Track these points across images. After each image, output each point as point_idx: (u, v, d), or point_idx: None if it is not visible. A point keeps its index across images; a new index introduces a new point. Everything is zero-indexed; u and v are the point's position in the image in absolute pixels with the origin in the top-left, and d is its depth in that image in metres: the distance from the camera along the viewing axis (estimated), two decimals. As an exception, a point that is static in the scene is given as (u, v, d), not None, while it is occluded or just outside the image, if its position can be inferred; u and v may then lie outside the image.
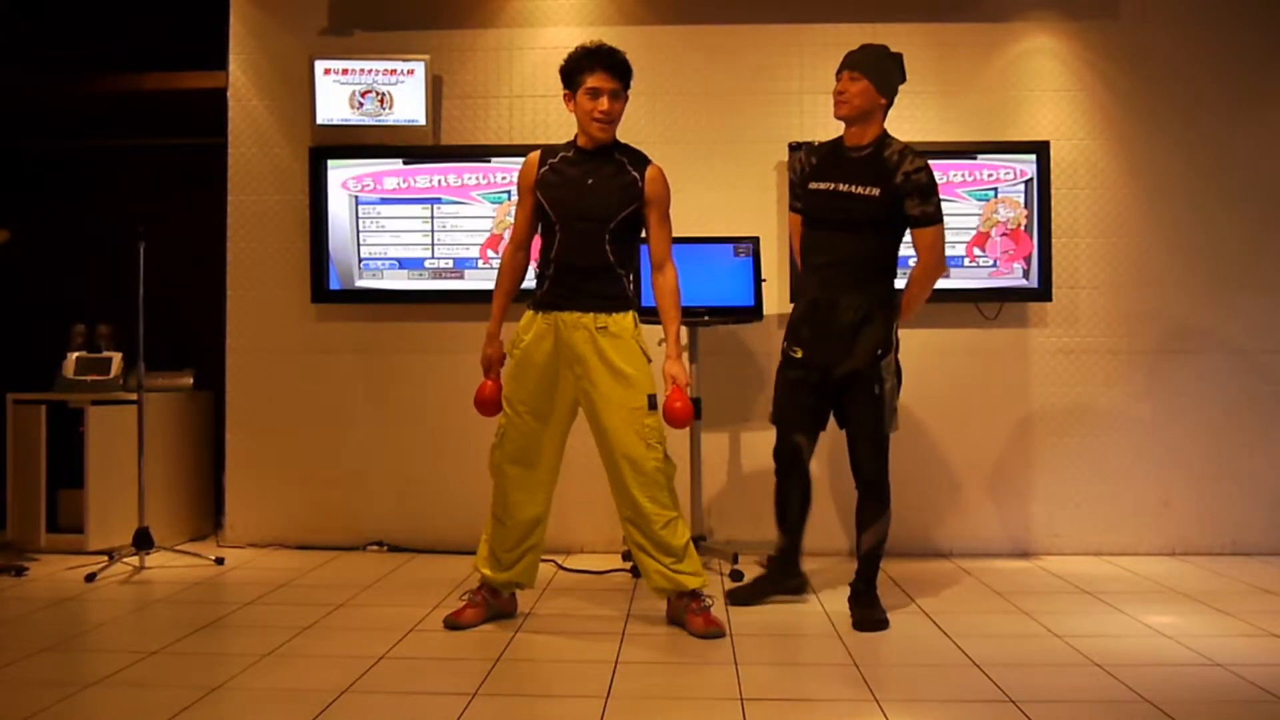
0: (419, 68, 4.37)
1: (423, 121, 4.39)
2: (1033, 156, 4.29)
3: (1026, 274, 4.29)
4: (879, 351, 3.19)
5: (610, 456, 3.09)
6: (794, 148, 4.17)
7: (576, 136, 3.17)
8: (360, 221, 4.41)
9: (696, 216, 4.28)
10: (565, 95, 3.11)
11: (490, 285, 3.35)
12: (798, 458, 3.33)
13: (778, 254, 4.36)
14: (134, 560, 3.99)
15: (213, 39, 4.57)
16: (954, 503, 4.40)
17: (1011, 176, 4.30)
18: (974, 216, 4.31)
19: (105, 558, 3.97)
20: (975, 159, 4.31)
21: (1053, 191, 4.33)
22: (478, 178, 4.40)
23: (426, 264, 4.41)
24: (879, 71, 3.19)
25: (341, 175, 4.41)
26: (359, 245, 4.41)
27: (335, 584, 3.78)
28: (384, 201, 4.42)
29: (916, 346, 4.37)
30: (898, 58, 3.25)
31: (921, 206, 3.17)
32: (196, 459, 4.79)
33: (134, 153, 5.23)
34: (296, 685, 2.60)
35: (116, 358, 4.51)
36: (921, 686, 2.65)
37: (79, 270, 5.24)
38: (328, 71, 4.38)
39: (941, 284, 4.24)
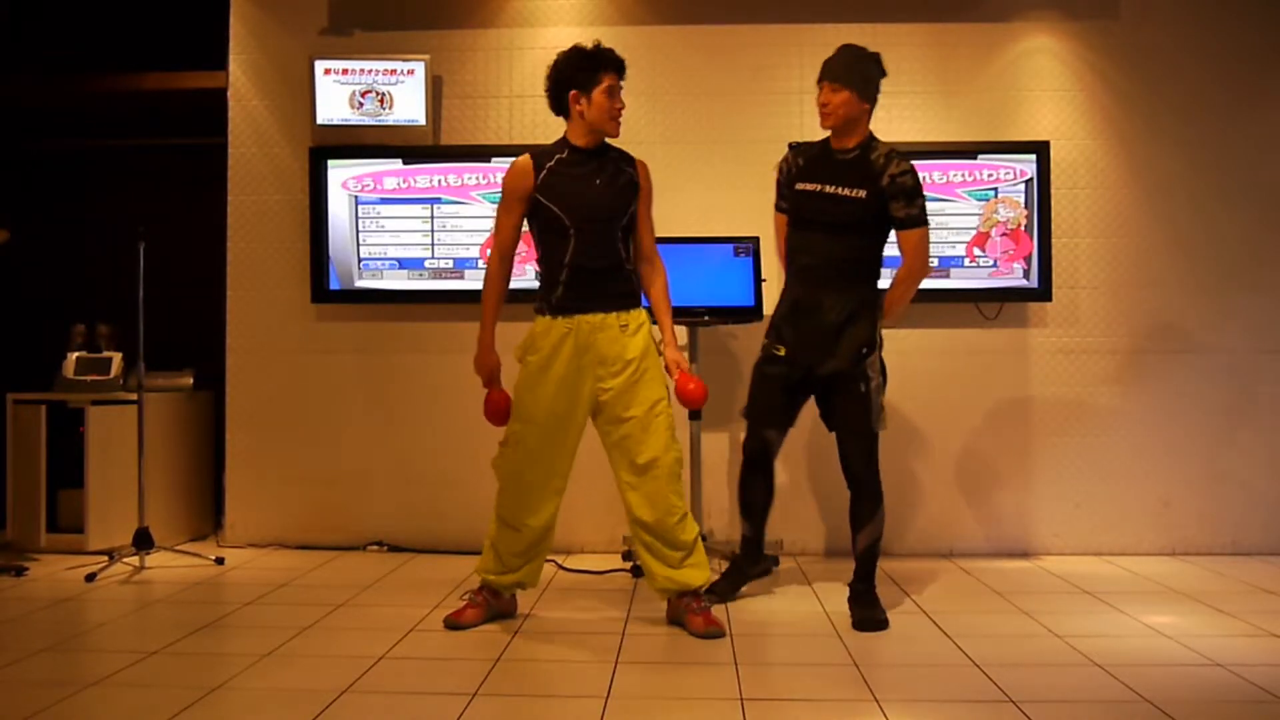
0: (419, 68, 4.37)
1: (423, 121, 4.39)
2: (1033, 156, 4.29)
3: (1026, 274, 4.29)
4: (863, 350, 3.22)
5: (628, 455, 3.08)
6: (792, 147, 4.16)
7: (567, 137, 3.15)
8: (360, 221, 4.42)
9: (696, 216, 4.28)
10: (573, 95, 3.08)
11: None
12: (767, 453, 3.41)
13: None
14: (134, 560, 3.99)
15: (213, 39, 4.57)
16: (954, 503, 4.39)
17: (1011, 176, 4.30)
18: (974, 216, 4.31)
19: (105, 558, 3.97)
20: (975, 159, 4.31)
21: (1053, 191, 4.33)
22: (478, 178, 4.40)
23: (426, 264, 4.41)
24: (859, 78, 3.21)
25: (341, 175, 4.41)
26: (358, 245, 4.41)
27: (335, 584, 3.78)
28: (384, 201, 4.42)
29: (917, 346, 4.39)
30: (876, 57, 3.26)
31: (907, 209, 3.21)
32: (196, 459, 4.79)
33: (134, 153, 5.23)
34: (296, 685, 2.60)
35: (116, 358, 4.51)
36: (921, 686, 2.65)
37: (79, 270, 5.24)
38: (328, 71, 4.38)
39: (941, 284, 4.28)
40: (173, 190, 5.21)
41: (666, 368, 3.17)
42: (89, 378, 4.46)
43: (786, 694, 2.57)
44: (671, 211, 4.26)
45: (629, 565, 3.97)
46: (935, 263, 4.19)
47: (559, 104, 3.13)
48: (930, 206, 4.23)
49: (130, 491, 4.14)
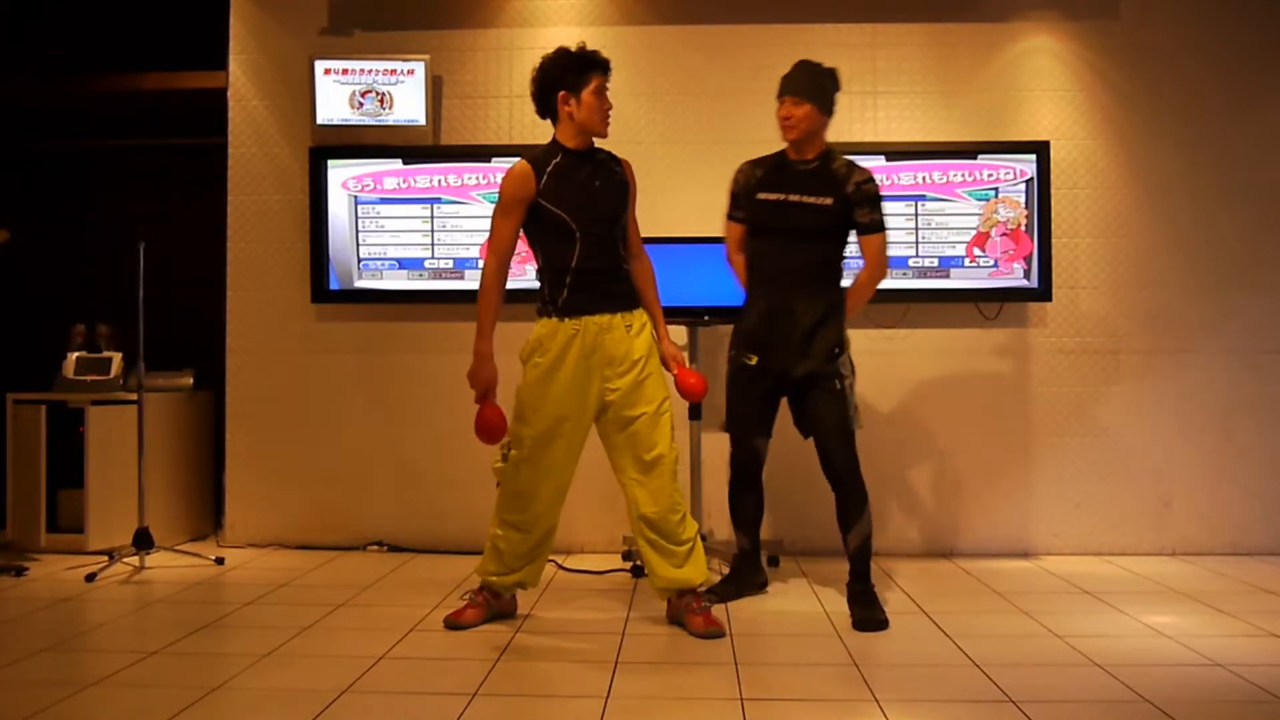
0: (419, 68, 4.37)
1: (423, 121, 4.39)
2: (1033, 156, 4.29)
3: (1027, 274, 4.29)
4: (835, 350, 3.33)
5: (635, 451, 3.08)
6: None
7: (558, 140, 3.14)
8: (360, 221, 4.42)
9: (696, 216, 4.27)
10: (562, 96, 3.07)
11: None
12: (757, 462, 3.50)
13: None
14: (134, 560, 3.99)
15: (213, 39, 4.57)
16: (954, 503, 4.40)
17: (1012, 176, 4.30)
18: (974, 216, 4.31)
19: (105, 558, 3.98)
20: (975, 159, 4.31)
21: (1053, 191, 4.33)
22: (478, 178, 4.40)
23: (426, 264, 4.41)
24: (819, 92, 3.33)
25: (341, 175, 4.41)
26: (358, 245, 4.41)
27: (335, 584, 3.78)
28: (384, 201, 4.42)
29: (917, 347, 4.39)
30: (832, 72, 3.40)
31: (871, 215, 3.34)
32: (196, 459, 4.79)
33: (134, 153, 5.23)
34: (296, 685, 2.60)
35: (116, 358, 4.52)
36: (921, 686, 2.65)
37: (79, 270, 5.24)
38: (328, 71, 4.38)
39: (941, 284, 4.30)
40: (173, 190, 5.21)
41: (664, 362, 3.18)
42: (89, 378, 4.46)
43: (786, 694, 2.57)
44: (671, 211, 4.27)
45: (629, 565, 3.97)
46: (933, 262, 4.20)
47: (546, 106, 3.12)
48: (930, 206, 4.30)
49: (130, 491, 4.14)
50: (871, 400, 4.31)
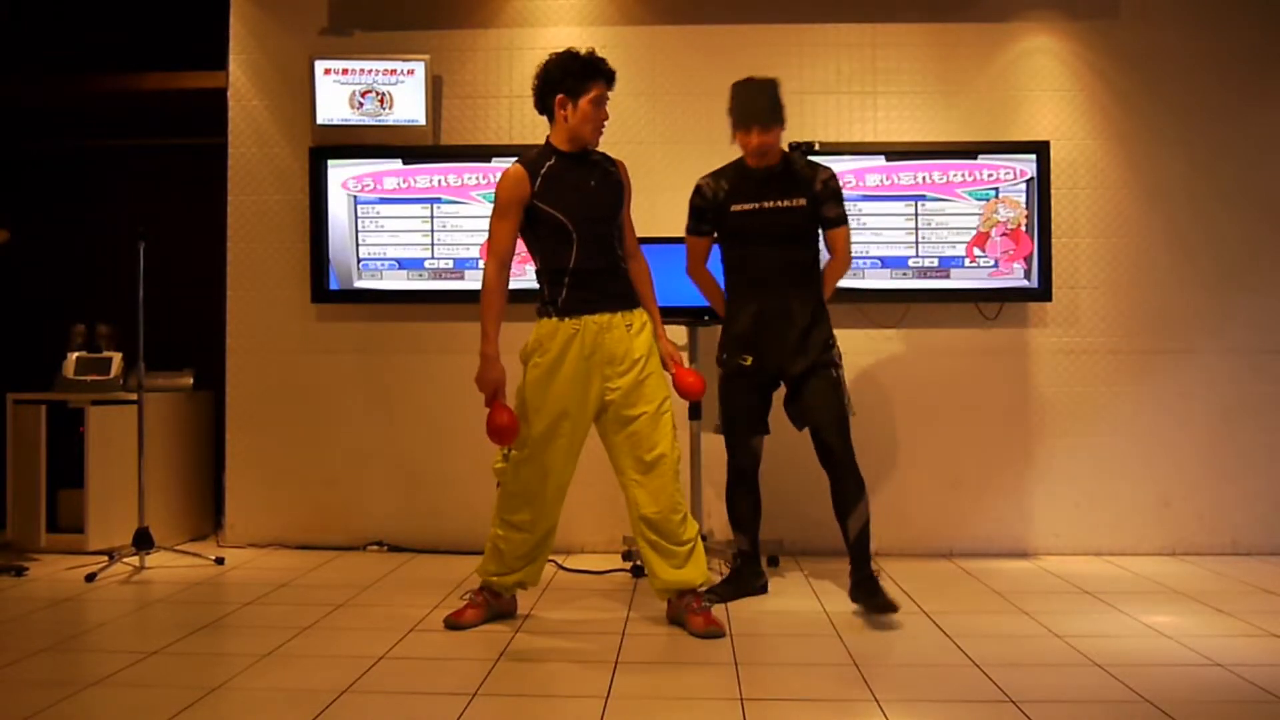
0: (419, 68, 4.37)
1: (423, 121, 4.39)
2: (1033, 156, 4.29)
3: (1027, 274, 4.29)
4: (828, 342, 3.45)
5: (636, 451, 3.08)
6: (793, 147, 4.17)
7: (550, 141, 3.14)
8: (359, 221, 4.41)
9: (696, 216, 4.27)
10: (560, 99, 3.08)
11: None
12: (756, 461, 3.55)
13: (778, 254, 4.36)
14: (134, 560, 3.99)
15: (213, 39, 4.57)
16: (954, 503, 4.40)
17: (1012, 176, 4.30)
18: (974, 216, 4.31)
19: (105, 558, 3.98)
20: (975, 159, 4.31)
21: (1053, 191, 4.33)
22: (478, 178, 4.40)
23: (426, 264, 4.41)
24: (780, 111, 3.42)
25: (341, 175, 4.41)
26: (358, 245, 4.41)
27: (335, 584, 3.78)
28: (383, 201, 4.41)
29: (917, 347, 4.39)
30: (776, 83, 3.43)
31: (837, 209, 3.48)
32: (196, 459, 4.79)
33: (134, 153, 5.23)
34: (296, 685, 2.60)
35: (116, 358, 4.52)
36: (921, 686, 2.65)
37: (79, 270, 5.24)
38: (328, 71, 4.38)
39: (942, 284, 4.30)
40: (173, 190, 5.21)
41: (663, 361, 3.18)
42: (89, 378, 4.47)
43: (786, 694, 2.57)
44: (672, 211, 4.26)
45: (629, 565, 3.97)
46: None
47: (544, 106, 3.13)
48: (930, 206, 4.30)
49: (130, 491, 4.14)
50: (872, 400, 4.31)
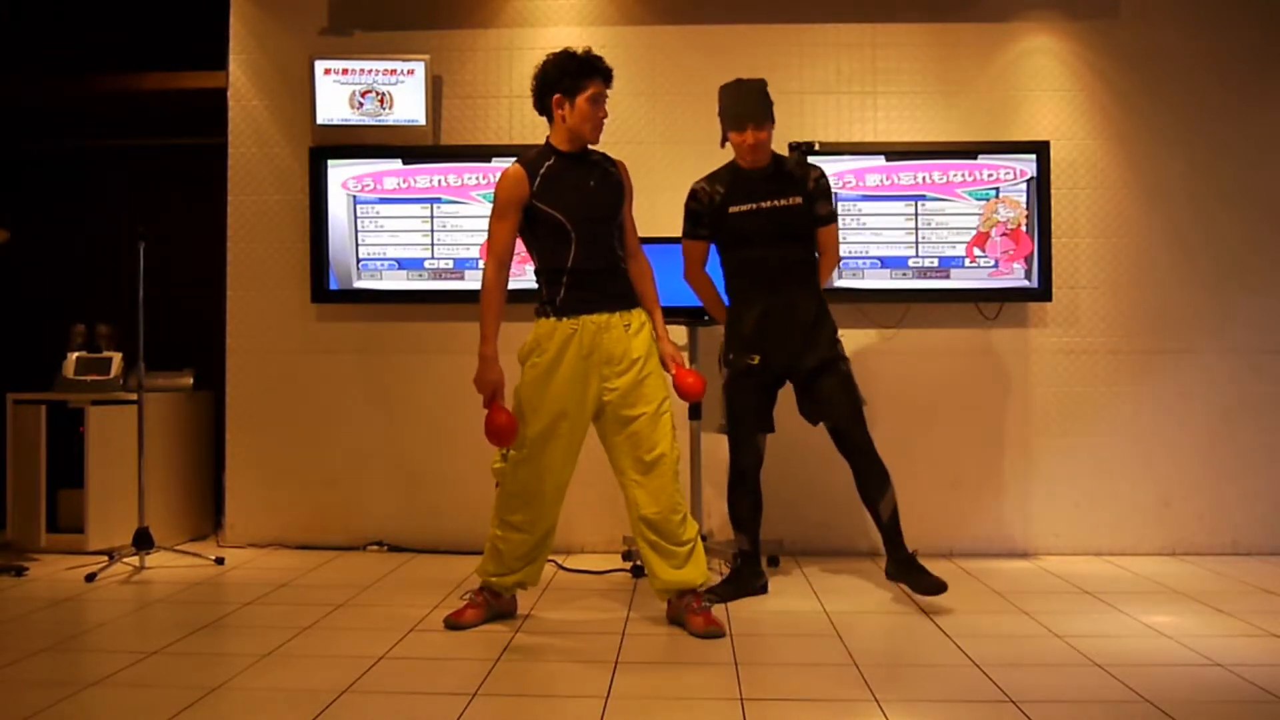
0: (419, 68, 4.37)
1: (423, 121, 4.39)
2: (1033, 156, 4.29)
3: (1027, 274, 4.29)
4: (834, 337, 3.52)
5: (635, 452, 3.08)
6: (793, 147, 4.18)
7: (550, 142, 3.15)
8: (359, 221, 4.41)
9: (696, 216, 4.27)
10: (557, 99, 3.08)
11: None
12: (759, 462, 3.58)
13: (778, 254, 4.36)
14: (134, 560, 3.99)
15: (213, 39, 4.57)
16: (954, 503, 4.40)
17: (1012, 176, 4.30)
18: (974, 216, 4.31)
19: (105, 558, 3.98)
20: (975, 159, 4.31)
21: (1053, 191, 4.33)
22: (478, 178, 4.40)
23: (426, 264, 4.41)
24: (770, 109, 3.45)
25: (341, 175, 4.41)
26: (357, 245, 4.41)
27: (335, 584, 3.78)
28: (383, 201, 4.41)
29: (917, 347, 4.39)
30: (764, 83, 3.47)
31: (828, 206, 3.55)
32: (196, 459, 4.79)
33: (134, 153, 5.23)
34: (296, 685, 2.60)
35: (116, 358, 4.52)
36: (921, 686, 2.65)
37: (79, 270, 5.24)
38: (328, 71, 4.38)
39: (942, 284, 4.30)
40: (173, 190, 5.21)
41: (663, 362, 3.18)
42: (89, 378, 4.47)
43: (786, 694, 2.57)
44: (672, 211, 4.25)
45: (629, 565, 3.97)
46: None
47: (542, 106, 3.13)
48: (930, 206, 4.31)
49: (130, 491, 4.14)
50: (872, 400, 4.28)
